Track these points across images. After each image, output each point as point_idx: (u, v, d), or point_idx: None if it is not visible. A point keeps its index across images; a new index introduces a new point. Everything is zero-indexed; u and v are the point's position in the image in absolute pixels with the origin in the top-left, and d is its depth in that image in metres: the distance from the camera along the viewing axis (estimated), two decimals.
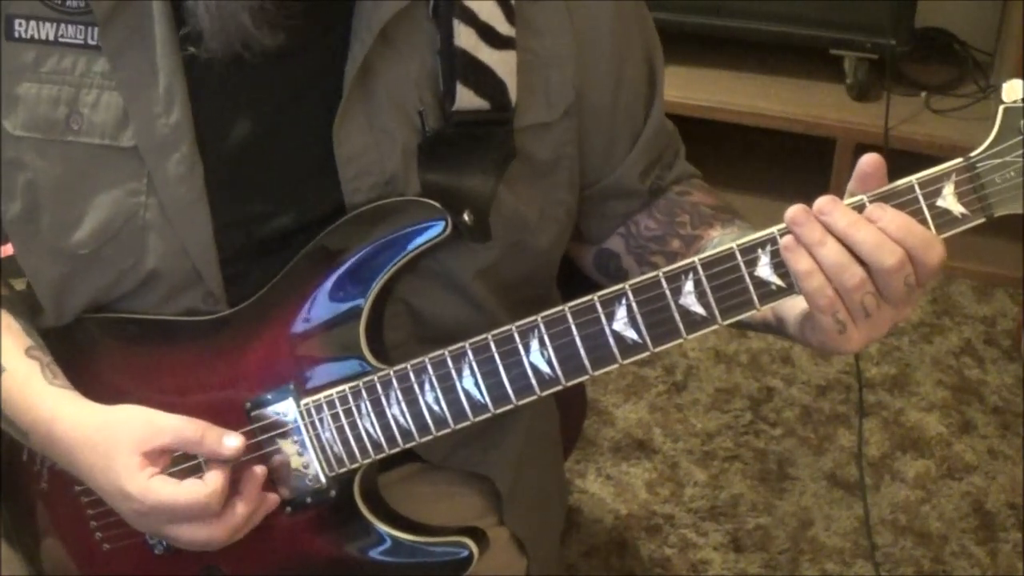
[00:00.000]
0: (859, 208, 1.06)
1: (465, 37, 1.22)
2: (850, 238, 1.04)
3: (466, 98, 1.23)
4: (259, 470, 1.24)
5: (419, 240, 1.21)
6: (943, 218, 1.07)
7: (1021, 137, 1.06)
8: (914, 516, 2.41)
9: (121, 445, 1.21)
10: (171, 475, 1.21)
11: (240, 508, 1.22)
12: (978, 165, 1.06)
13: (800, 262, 1.06)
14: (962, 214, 1.07)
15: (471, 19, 1.23)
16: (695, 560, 2.36)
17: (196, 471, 1.23)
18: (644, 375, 2.78)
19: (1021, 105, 1.06)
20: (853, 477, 2.49)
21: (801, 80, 3.19)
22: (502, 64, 1.24)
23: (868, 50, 3.03)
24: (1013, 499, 2.44)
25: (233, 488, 1.22)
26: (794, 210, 1.06)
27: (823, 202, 1.06)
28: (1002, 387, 2.72)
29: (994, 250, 3.00)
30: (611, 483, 2.52)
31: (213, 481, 1.20)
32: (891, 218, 1.05)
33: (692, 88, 3.14)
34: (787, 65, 3.21)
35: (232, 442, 1.21)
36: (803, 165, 3.16)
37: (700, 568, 2.34)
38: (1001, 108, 1.07)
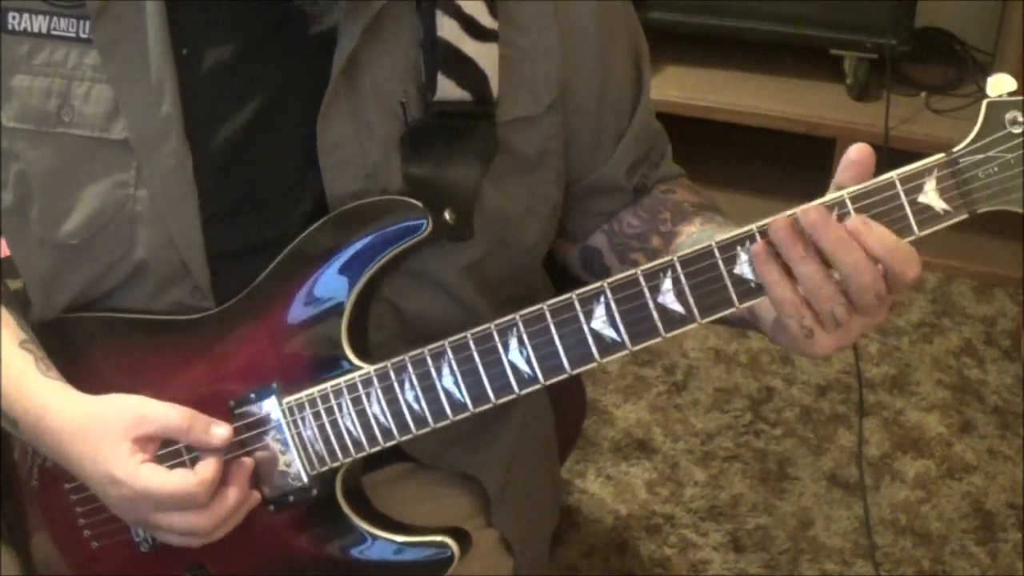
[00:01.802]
0: (840, 208, 1.05)
1: (448, 28, 1.23)
2: (834, 256, 1.04)
3: (447, 88, 1.23)
4: (247, 461, 1.24)
5: (399, 239, 1.21)
6: (924, 214, 1.06)
7: (1005, 131, 1.05)
8: (914, 516, 2.41)
9: (110, 432, 1.21)
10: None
11: (228, 498, 1.22)
12: (960, 160, 1.05)
13: (770, 272, 1.06)
14: (944, 210, 1.06)
15: (454, 11, 1.23)
16: (695, 560, 2.36)
17: (179, 463, 1.24)
18: (644, 375, 2.77)
19: (1006, 99, 1.05)
20: (853, 477, 2.48)
21: (801, 80, 3.19)
22: (484, 56, 1.24)
23: (868, 50, 3.02)
24: (1013, 499, 2.43)
25: (220, 479, 1.23)
26: (778, 226, 1.05)
27: (813, 217, 1.04)
28: (1002, 387, 2.71)
29: (994, 250, 3.00)
30: (611, 483, 2.52)
31: (203, 471, 1.20)
32: (877, 237, 1.04)
33: (692, 88, 3.13)
34: (787, 65, 3.20)
35: (219, 431, 1.22)
36: (803, 165, 3.15)
37: (700, 568, 2.34)
38: (985, 103, 1.06)
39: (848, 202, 1.06)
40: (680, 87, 3.11)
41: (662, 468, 2.55)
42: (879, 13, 2.97)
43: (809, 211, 1.05)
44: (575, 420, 1.94)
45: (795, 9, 3.06)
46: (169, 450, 1.24)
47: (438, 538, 1.28)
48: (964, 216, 1.07)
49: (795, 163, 3.21)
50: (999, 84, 1.06)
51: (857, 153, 1.06)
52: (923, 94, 3.10)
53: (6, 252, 1.40)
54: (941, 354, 2.82)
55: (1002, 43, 3.10)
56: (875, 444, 2.57)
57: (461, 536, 1.30)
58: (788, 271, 1.06)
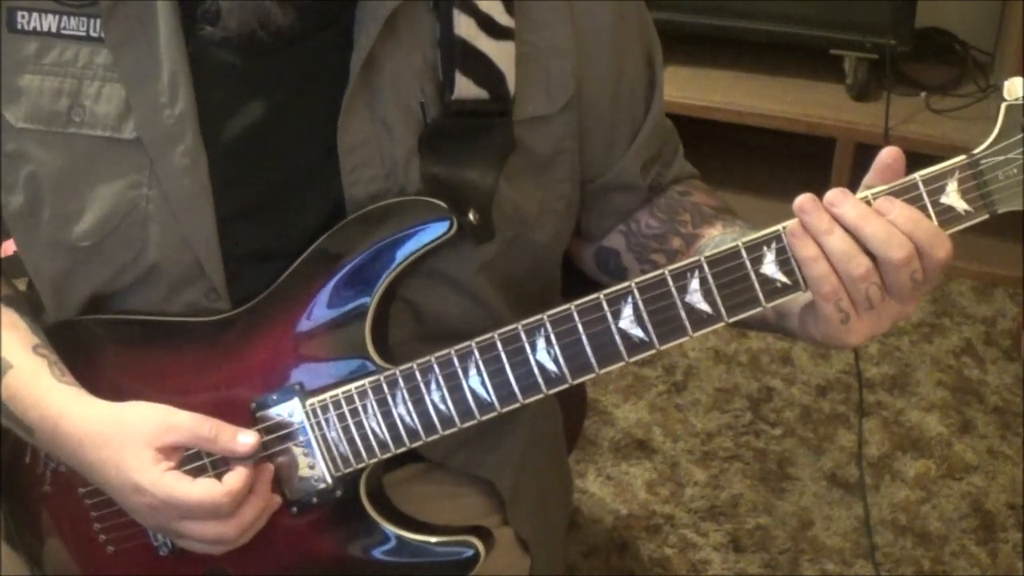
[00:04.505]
0: (865, 203, 1.07)
1: (465, 26, 1.23)
2: (859, 230, 1.05)
3: (464, 87, 1.23)
4: (268, 467, 1.24)
5: (424, 240, 1.21)
6: (947, 215, 1.08)
7: (1023, 134, 1.06)
8: (914, 516, 2.41)
9: (134, 439, 1.21)
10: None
11: (252, 507, 1.22)
12: (981, 162, 1.07)
13: (805, 248, 1.07)
14: (965, 211, 1.08)
15: (471, 9, 1.23)
16: (695, 560, 2.36)
17: (201, 472, 1.24)
18: (644, 375, 2.78)
19: (1023, 102, 1.07)
20: (853, 477, 2.49)
21: (801, 80, 3.19)
22: (501, 54, 1.24)
23: (868, 50, 3.03)
24: (1013, 499, 2.44)
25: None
26: (803, 198, 1.07)
27: (833, 194, 1.07)
28: (1002, 387, 2.72)
29: (994, 250, 3.00)
30: (611, 483, 2.52)
31: (231, 482, 1.20)
32: (900, 211, 1.06)
33: (692, 88, 3.14)
34: (787, 65, 3.21)
35: (246, 439, 1.21)
36: (803, 165, 3.16)
37: (700, 568, 2.34)
38: (1003, 106, 1.08)
39: (872, 201, 1.07)
40: (680, 87, 3.11)
41: (662, 468, 2.55)
42: (879, 13, 2.97)
43: (830, 191, 1.07)
44: (576, 420, 1.94)
45: (795, 9, 3.06)
46: (189, 454, 1.24)
47: (463, 537, 1.28)
48: (984, 217, 1.09)
49: (795, 163, 3.22)
50: (1015, 87, 1.08)
51: (890, 156, 1.08)
52: (923, 94, 3.11)
53: (6, 252, 1.39)
54: (941, 354, 2.82)
55: (1002, 43, 3.11)
56: (875, 444, 2.58)
57: (484, 535, 1.30)
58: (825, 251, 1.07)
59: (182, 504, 1.19)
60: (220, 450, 1.21)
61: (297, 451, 1.25)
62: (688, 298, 1.11)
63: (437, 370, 1.19)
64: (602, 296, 1.14)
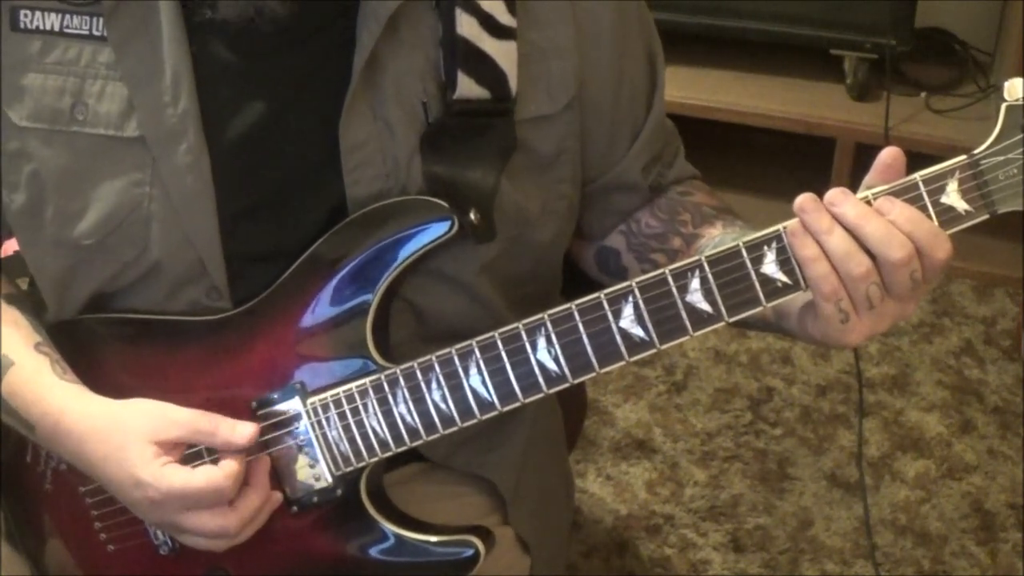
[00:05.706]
0: (866, 203, 1.07)
1: (467, 26, 1.23)
2: (860, 230, 1.06)
3: (466, 86, 1.23)
4: (266, 459, 1.24)
5: (426, 239, 1.21)
6: (947, 215, 1.08)
7: (1023, 135, 1.06)
8: (914, 516, 2.42)
9: (135, 435, 1.21)
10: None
11: (252, 497, 1.22)
12: (981, 162, 1.07)
13: (806, 248, 1.07)
14: (966, 211, 1.08)
15: (473, 8, 1.23)
16: (695, 560, 2.36)
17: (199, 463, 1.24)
18: (644, 375, 2.78)
19: (1023, 103, 1.07)
20: (853, 477, 2.49)
21: (801, 80, 3.19)
22: (503, 54, 1.25)
23: (868, 50, 3.03)
24: (1013, 499, 2.44)
25: (244, 478, 1.22)
26: (803, 198, 1.07)
27: (833, 194, 1.07)
28: (1002, 387, 2.72)
29: (994, 250, 3.00)
30: (611, 483, 2.52)
31: (228, 465, 1.20)
32: (900, 211, 1.06)
33: (692, 88, 3.14)
34: (787, 65, 3.21)
35: (246, 431, 1.21)
36: (803, 165, 3.16)
37: (700, 568, 2.34)
38: (1003, 106, 1.08)
39: (872, 201, 1.07)
40: (680, 87, 3.11)
41: (662, 468, 2.55)
42: (879, 13, 2.97)
43: (830, 190, 1.07)
44: (576, 420, 1.94)
45: (795, 9, 3.06)
46: (190, 452, 1.24)
47: (463, 537, 1.28)
48: (985, 217, 1.09)
49: (795, 163, 3.22)
50: (1015, 88, 1.09)
51: (890, 156, 1.08)
52: (923, 94, 3.11)
53: (7, 252, 1.39)
54: (941, 354, 2.82)
55: (1002, 43, 3.11)
56: (875, 444, 2.58)
57: (484, 534, 1.29)
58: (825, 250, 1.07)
59: (185, 493, 1.19)
60: (220, 443, 1.21)
61: (298, 449, 1.25)
62: (689, 298, 1.12)
63: (438, 369, 1.19)
64: (603, 296, 1.14)
